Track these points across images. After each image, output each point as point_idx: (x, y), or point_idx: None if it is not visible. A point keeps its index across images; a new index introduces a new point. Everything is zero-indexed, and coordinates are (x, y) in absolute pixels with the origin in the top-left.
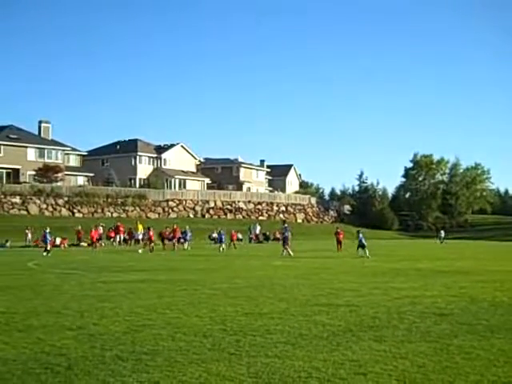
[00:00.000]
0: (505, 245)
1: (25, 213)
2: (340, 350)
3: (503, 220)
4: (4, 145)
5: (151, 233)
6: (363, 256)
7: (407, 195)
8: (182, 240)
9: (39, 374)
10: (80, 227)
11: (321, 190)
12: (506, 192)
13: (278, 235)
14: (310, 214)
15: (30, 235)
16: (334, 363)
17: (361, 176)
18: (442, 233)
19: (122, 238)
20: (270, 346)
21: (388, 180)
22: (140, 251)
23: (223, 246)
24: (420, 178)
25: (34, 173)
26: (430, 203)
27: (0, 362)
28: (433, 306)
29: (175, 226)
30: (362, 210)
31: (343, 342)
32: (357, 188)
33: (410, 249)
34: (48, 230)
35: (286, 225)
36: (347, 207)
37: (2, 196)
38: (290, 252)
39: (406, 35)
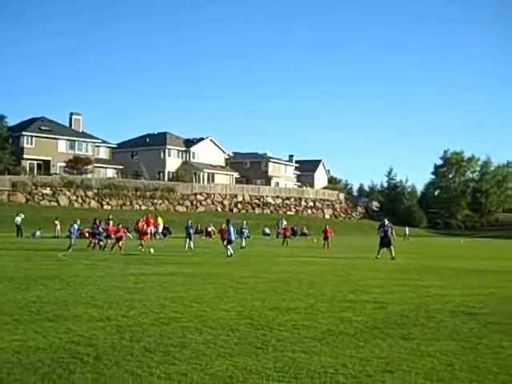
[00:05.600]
0: None
1: (55, 204)
2: (367, 347)
3: None
4: (35, 136)
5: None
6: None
7: (436, 192)
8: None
9: (68, 363)
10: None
11: (349, 186)
12: None
13: (306, 230)
14: (338, 210)
15: (59, 226)
16: (360, 360)
17: (390, 173)
18: (407, 230)
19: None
20: (297, 341)
21: (417, 177)
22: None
23: (191, 242)
24: (450, 176)
25: (64, 164)
26: (460, 201)
27: (31, 350)
28: (461, 304)
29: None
30: (390, 206)
31: (370, 339)
32: (385, 184)
33: (437, 247)
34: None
35: (387, 222)
36: (375, 204)
37: (33, 187)
38: (393, 252)
39: (435, 32)
